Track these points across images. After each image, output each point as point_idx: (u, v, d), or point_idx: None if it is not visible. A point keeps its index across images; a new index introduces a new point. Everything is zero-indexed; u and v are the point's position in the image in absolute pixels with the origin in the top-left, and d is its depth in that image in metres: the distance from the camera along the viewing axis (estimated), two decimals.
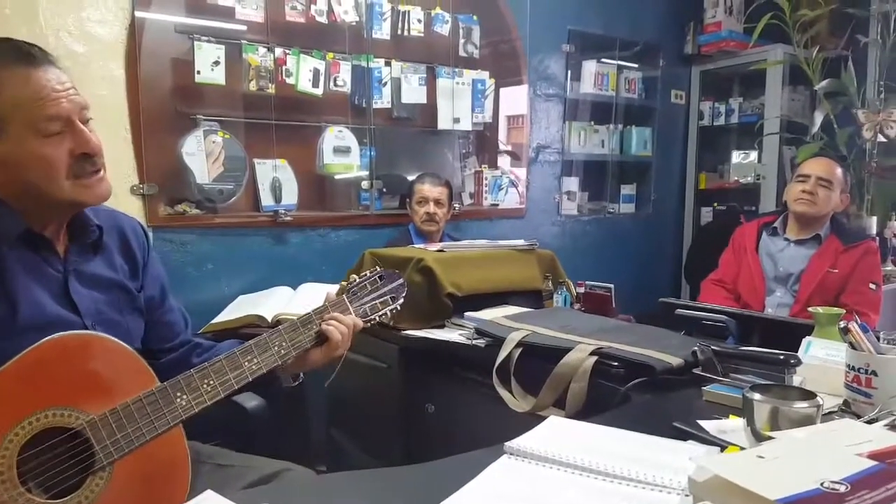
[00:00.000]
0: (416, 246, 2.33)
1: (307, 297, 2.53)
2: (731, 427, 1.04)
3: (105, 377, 1.02)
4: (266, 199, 2.80)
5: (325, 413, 2.44)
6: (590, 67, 3.78)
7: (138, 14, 2.45)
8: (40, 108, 1.01)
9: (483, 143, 3.50)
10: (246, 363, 1.13)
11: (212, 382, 1.08)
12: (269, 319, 2.36)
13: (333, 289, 2.34)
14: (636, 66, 4.00)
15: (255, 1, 2.68)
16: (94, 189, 1.08)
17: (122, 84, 2.42)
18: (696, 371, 1.29)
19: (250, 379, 1.13)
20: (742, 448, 0.94)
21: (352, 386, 1.99)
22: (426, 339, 1.73)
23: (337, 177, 3.02)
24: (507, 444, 0.95)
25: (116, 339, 1.05)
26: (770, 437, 0.87)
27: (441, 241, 2.82)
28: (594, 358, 1.35)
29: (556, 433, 1.00)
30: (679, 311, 1.66)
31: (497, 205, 3.44)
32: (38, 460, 0.91)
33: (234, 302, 2.60)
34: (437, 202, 2.88)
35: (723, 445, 0.97)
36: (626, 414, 1.20)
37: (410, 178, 3.06)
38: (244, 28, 2.68)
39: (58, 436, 0.97)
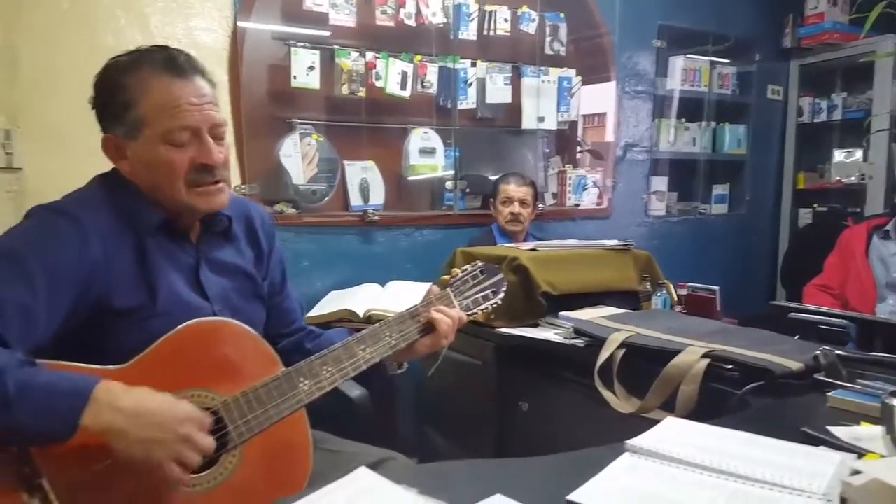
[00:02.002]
0: (508, 245, 2.32)
1: (395, 294, 2.57)
2: (866, 434, 0.98)
3: (235, 361, 1.07)
4: (355, 199, 2.87)
5: (413, 407, 2.47)
6: (680, 63, 3.66)
7: (240, 24, 2.55)
8: (173, 117, 1.08)
9: (565, 142, 3.46)
10: (360, 352, 1.16)
11: (330, 370, 1.12)
12: (361, 314, 2.41)
13: (420, 286, 2.40)
14: (727, 61, 3.85)
15: (347, 6, 2.74)
16: (208, 198, 1.13)
17: (226, 89, 2.53)
18: (818, 376, 1.23)
19: (364, 367, 1.16)
20: (882, 456, 0.89)
21: (445, 382, 2.00)
22: (522, 337, 1.72)
23: (422, 177, 3.05)
24: (629, 442, 0.93)
25: (245, 325, 1.11)
26: None
27: (525, 241, 2.80)
28: (706, 361, 1.30)
29: (678, 434, 0.97)
30: (793, 314, 1.58)
31: (579, 205, 3.38)
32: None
33: (325, 297, 2.67)
34: (522, 202, 2.86)
35: (859, 452, 0.92)
36: (747, 418, 1.15)
37: (493, 178, 3.06)
38: (335, 34, 2.75)
39: None
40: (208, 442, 0.94)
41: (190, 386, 1.02)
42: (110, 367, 0.99)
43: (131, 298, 1.06)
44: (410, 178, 3.01)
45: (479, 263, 1.39)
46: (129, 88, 1.08)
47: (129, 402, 0.90)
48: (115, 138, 1.12)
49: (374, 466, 1.26)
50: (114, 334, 1.04)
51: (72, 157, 2.28)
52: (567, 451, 0.95)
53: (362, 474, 0.74)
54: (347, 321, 2.42)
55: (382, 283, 2.76)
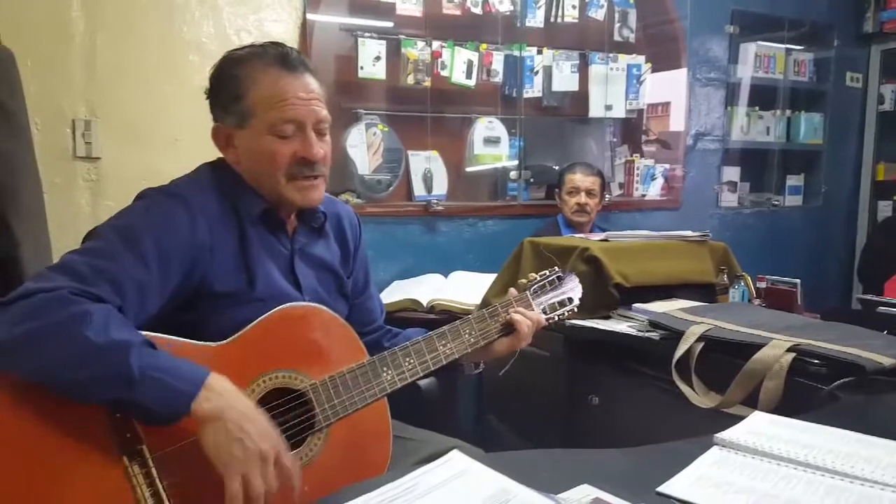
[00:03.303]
0: (578, 236, 2.29)
1: (458, 285, 2.57)
2: None
3: (323, 346, 1.11)
4: (418, 190, 2.88)
5: (473, 397, 2.47)
6: (752, 49, 3.52)
7: (309, 16, 2.59)
8: (280, 109, 1.11)
9: (631, 131, 3.38)
10: (440, 347, 1.18)
11: (412, 362, 1.14)
12: (424, 304, 2.42)
13: (483, 277, 2.39)
14: (801, 47, 3.69)
15: None
16: (304, 192, 1.16)
17: None
18: None
19: (444, 362, 1.18)
20: None
21: (511, 373, 1.98)
22: (593, 329, 1.69)
23: (486, 167, 3.03)
24: (718, 435, 0.90)
25: (333, 312, 1.14)
26: None
27: (591, 233, 2.74)
28: (792, 355, 1.25)
29: (768, 428, 0.94)
30: (882, 308, 1.50)
31: (645, 195, 3.30)
32: (268, 416, 0.98)
33: (389, 287, 2.70)
34: (589, 192, 2.81)
35: None
36: (836, 414, 1.10)
37: (558, 168, 3.01)
38: (402, 23, 2.75)
39: (283, 396, 1.05)
40: (272, 478, 0.93)
41: (281, 367, 1.05)
42: (210, 343, 1.03)
43: (231, 283, 1.10)
44: (474, 168, 3.00)
45: (557, 269, 1.40)
46: (240, 80, 1.13)
47: (234, 399, 0.93)
48: (224, 127, 1.17)
49: (443, 454, 1.28)
50: (209, 316, 1.08)
51: (147, 147, 2.37)
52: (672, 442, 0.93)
53: (456, 457, 0.74)
54: (411, 310, 2.44)
55: (445, 274, 2.77)
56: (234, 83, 1.14)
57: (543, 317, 1.33)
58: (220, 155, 1.21)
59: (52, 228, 1.57)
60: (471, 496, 0.65)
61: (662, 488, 0.77)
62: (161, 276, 1.02)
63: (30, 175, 1.54)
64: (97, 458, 0.91)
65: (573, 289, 1.39)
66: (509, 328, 1.27)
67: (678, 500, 0.75)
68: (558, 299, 1.37)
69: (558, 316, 1.37)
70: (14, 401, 0.89)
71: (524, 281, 1.37)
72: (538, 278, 1.37)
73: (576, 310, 1.39)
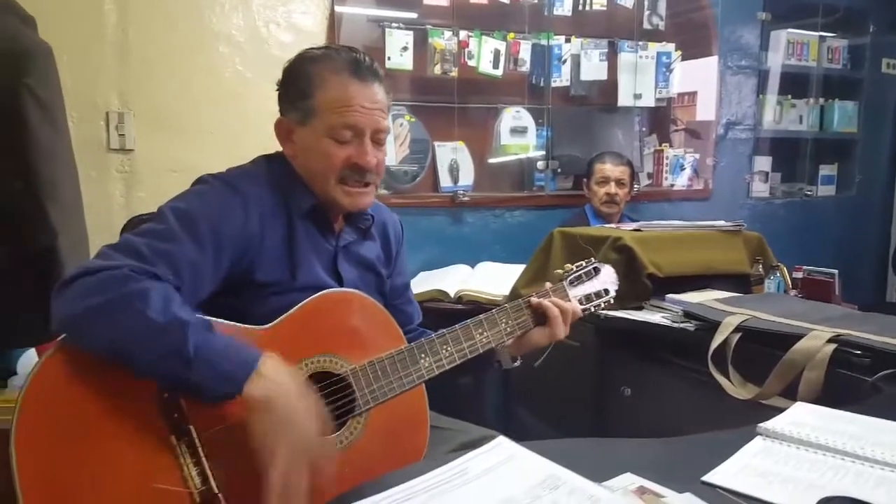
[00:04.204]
0: (609, 226, 2.27)
1: (485, 276, 2.57)
2: None
3: (363, 332, 1.12)
4: (445, 181, 2.87)
5: (500, 387, 2.46)
6: (784, 36, 3.45)
7: (337, 8, 2.59)
8: (342, 114, 1.13)
9: (659, 120, 3.33)
10: (477, 335, 1.19)
11: (449, 349, 1.15)
12: (452, 295, 2.42)
13: (511, 268, 2.38)
14: (833, 34, 3.60)
15: None
16: (353, 198, 1.18)
17: None
18: None
19: (480, 350, 1.19)
20: None
21: (542, 364, 1.97)
22: (625, 319, 1.67)
23: (512, 158, 3.01)
24: (761, 425, 0.89)
25: (373, 299, 1.16)
26: None
27: (620, 223, 2.72)
28: (833, 346, 1.23)
29: (811, 418, 0.92)
30: None
31: (674, 185, 3.26)
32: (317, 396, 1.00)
33: (416, 277, 2.70)
34: (619, 182, 2.77)
35: None
36: (880, 406, 1.08)
37: (585, 158, 2.98)
38: (429, 14, 2.75)
39: (324, 380, 1.07)
40: (311, 471, 0.93)
41: (321, 351, 1.07)
42: (256, 327, 1.05)
43: (274, 273, 1.12)
44: (500, 158, 2.98)
45: (594, 260, 1.40)
46: (310, 78, 1.15)
47: (283, 385, 0.94)
48: (287, 121, 1.19)
49: (476, 444, 1.28)
50: (251, 303, 1.10)
51: (179, 139, 2.40)
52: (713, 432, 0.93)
53: (503, 443, 0.74)
54: (438, 301, 2.44)
55: (472, 265, 2.76)
56: (303, 80, 1.16)
57: (580, 307, 1.32)
58: (254, 145, 1.24)
59: (87, 220, 1.59)
60: (521, 481, 0.65)
61: (707, 477, 0.76)
62: (214, 260, 1.05)
63: (68, 167, 1.56)
64: (147, 437, 0.93)
65: (610, 280, 1.38)
66: (545, 318, 1.27)
67: (724, 490, 0.74)
68: (595, 290, 1.36)
69: (594, 307, 1.36)
70: (65, 387, 0.92)
71: (560, 271, 1.36)
72: (574, 269, 1.36)
73: (612, 301, 1.38)
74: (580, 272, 1.36)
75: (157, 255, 0.99)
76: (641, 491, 0.70)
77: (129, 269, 0.94)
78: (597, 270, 1.38)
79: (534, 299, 1.27)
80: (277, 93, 1.22)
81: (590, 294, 1.35)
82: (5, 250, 1.39)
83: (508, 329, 1.23)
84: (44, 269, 1.39)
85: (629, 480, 0.73)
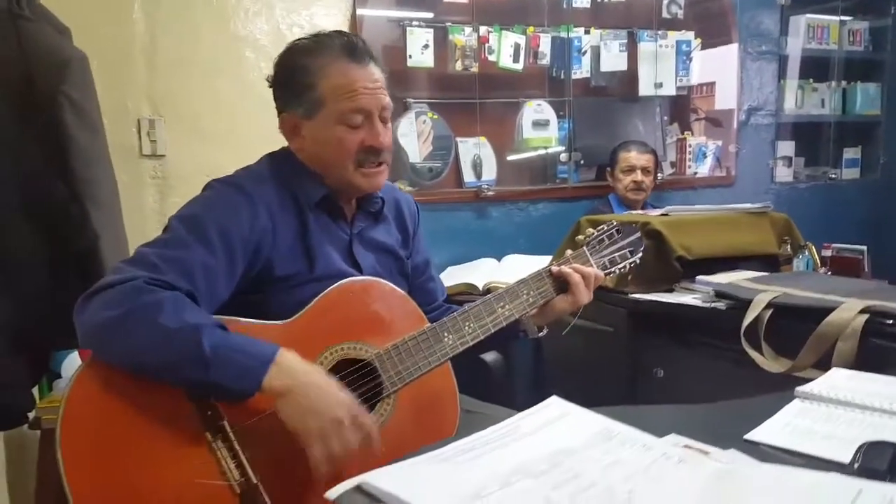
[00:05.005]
0: (635, 212, 2.28)
1: (512, 268, 2.59)
2: None
3: (385, 317, 1.15)
4: (468, 176, 2.90)
5: (532, 373, 2.47)
6: (803, 21, 3.43)
7: (358, 11, 2.64)
8: (349, 99, 1.15)
9: (680, 109, 3.33)
10: (499, 309, 1.20)
11: (472, 325, 1.17)
12: (480, 287, 2.45)
13: (537, 260, 2.40)
14: (853, 17, 3.57)
15: None
16: (371, 179, 1.20)
17: None
18: None
19: (504, 324, 1.20)
20: None
21: (574, 348, 2.00)
22: (657, 302, 1.69)
23: (535, 151, 3.04)
24: (799, 388, 0.91)
25: (392, 284, 1.18)
26: None
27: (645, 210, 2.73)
28: (865, 316, 1.24)
29: (848, 381, 0.94)
30: None
31: (697, 173, 3.26)
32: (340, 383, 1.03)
33: (443, 273, 2.73)
34: (645, 170, 2.79)
35: None
36: None
37: (608, 149, 2.99)
38: (448, 11, 2.78)
39: (351, 366, 1.10)
40: (353, 437, 0.97)
41: (345, 339, 1.10)
42: (277, 322, 1.08)
43: (292, 266, 1.15)
44: (523, 152, 3.01)
45: (615, 222, 1.38)
46: (310, 70, 1.16)
47: (303, 372, 0.98)
48: (292, 117, 1.21)
49: None
50: (273, 297, 1.13)
51: (209, 143, 2.45)
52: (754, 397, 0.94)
53: (554, 401, 0.76)
54: (467, 294, 2.47)
55: (498, 258, 2.79)
56: (303, 73, 1.17)
57: (602, 272, 1.31)
58: (280, 146, 1.25)
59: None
60: (577, 433, 0.67)
61: (749, 436, 0.79)
62: (227, 261, 1.07)
63: (107, 170, 1.60)
64: (183, 437, 0.97)
65: (634, 241, 1.36)
66: (567, 285, 1.26)
67: (767, 447, 0.76)
68: (619, 253, 1.35)
69: (619, 269, 1.35)
70: (106, 388, 0.96)
71: (581, 237, 1.36)
72: (595, 233, 1.35)
73: (638, 262, 1.36)
74: (602, 235, 1.35)
75: (168, 263, 1.01)
76: (689, 448, 0.73)
77: (143, 281, 0.97)
78: (619, 232, 1.35)
79: (554, 268, 1.27)
80: (272, 89, 1.23)
81: (614, 257, 1.34)
82: (50, 252, 1.42)
83: (531, 300, 1.23)
84: (86, 271, 1.42)
85: (675, 440, 0.76)
